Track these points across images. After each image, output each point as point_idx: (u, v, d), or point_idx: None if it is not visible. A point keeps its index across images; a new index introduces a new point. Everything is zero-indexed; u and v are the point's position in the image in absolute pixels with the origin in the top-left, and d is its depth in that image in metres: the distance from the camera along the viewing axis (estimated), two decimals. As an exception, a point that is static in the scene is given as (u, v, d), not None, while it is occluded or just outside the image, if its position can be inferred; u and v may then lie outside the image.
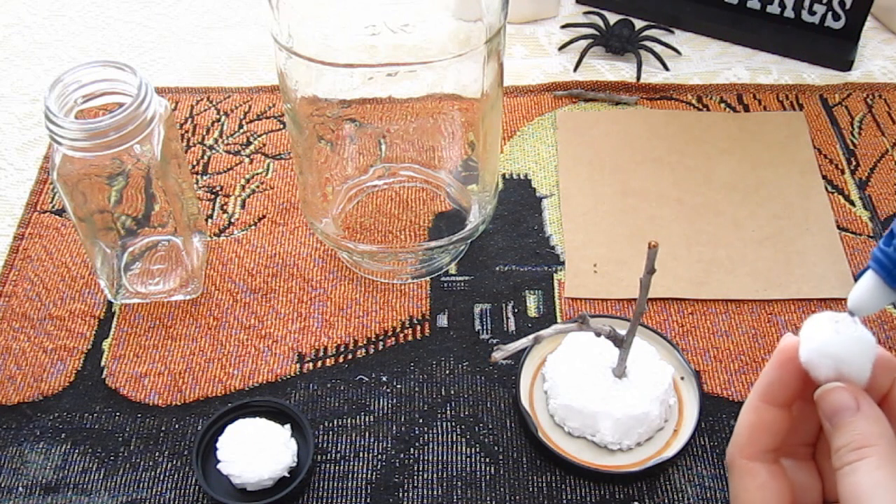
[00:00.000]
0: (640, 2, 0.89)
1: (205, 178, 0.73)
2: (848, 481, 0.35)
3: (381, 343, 0.61)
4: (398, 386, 0.58)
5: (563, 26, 0.88)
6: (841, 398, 0.37)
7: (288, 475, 0.52)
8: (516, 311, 0.63)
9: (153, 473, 0.54)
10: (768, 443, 0.40)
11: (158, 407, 0.58)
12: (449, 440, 0.56)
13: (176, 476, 0.54)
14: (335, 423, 0.57)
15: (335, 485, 0.54)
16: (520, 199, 0.71)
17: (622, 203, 0.70)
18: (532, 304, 0.63)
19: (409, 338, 0.61)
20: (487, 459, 0.55)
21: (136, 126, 0.53)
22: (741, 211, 0.69)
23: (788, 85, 0.81)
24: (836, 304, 0.63)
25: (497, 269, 0.65)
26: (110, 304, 0.63)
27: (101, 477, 0.54)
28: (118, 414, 0.57)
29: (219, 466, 0.52)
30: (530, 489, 0.53)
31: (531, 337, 0.51)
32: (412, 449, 0.55)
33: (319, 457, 0.55)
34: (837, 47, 0.83)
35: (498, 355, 0.49)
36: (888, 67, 0.84)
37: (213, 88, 0.82)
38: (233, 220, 0.69)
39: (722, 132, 0.76)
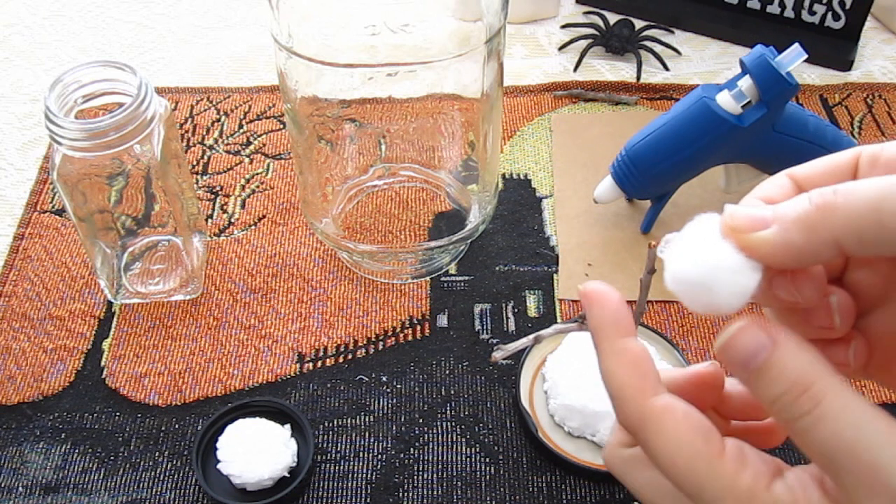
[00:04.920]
0: (640, 2, 0.89)
1: (205, 178, 0.73)
2: (817, 437, 0.26)
3: (381, 343, 0.61)
4: (398, 386, 0.58)
5: (563, 26, 0.88)
6: (751, 340, 0.28)
7: (288, 475, 0.52)
8: (516, 311, 0.63)
9: (153, 473, 0.54)
10: (655, 372, 0.31)
11: (158, 407, 0.58)
12: (449, 440, 0.56)
13: (176, 476, 0.54)
14: (335, 423, 0.57)
15: (335, 485, 0.54)
16: (520, 199, 0.71)
17: (616, 205, 0.70)
18: (532, 303, 0.63)
19: (409, 338, 0.61)
20: (487, 459, 0.55)
21: (136, 126, 0.53)
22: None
23: (788, 85, 0.81)
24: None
25: (497, 269, 0.65)
26: (110, 304, 0.63)
27: (101, 477, 0.54)
28: (118, 414, 0.57)
29: (219, 466, 0.52)
30: (530, 489, 0.53)
31: (531, 337, 0.51)
32: (412, 449, 0.55)
33: (319, 457, 0.55)
34: (837, 47, 0.83)
35: (498, 355, 0.49)
36: (888, 67, 0.84)
37: (213, 88, 0.82)
38: (233, 220, 0.69)
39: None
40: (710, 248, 0.28)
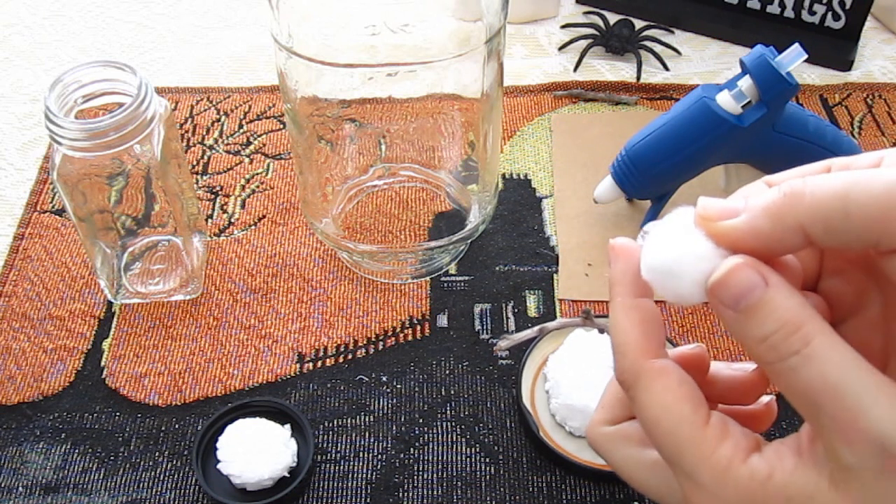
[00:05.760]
0: (640, 2, 0.89)
1: (205, 178, 0.73)
2: (803, 377, 0.26)
3: (381, 343, 0.61)
4: (398, 386, 0.58)
5: (563, 26, 0.88)
6: (746, 277, 0.27)
7: (288, 475, 0.52)
8: (516, 311, 0.63)
9: (153, 473, 0.54)
10: (662, 335, 0.32)
11: (158, 407, 0.58)
12: (449, 440, 0.56)
13: (176, 476, 0.54)
14: (335, 423, 0.57)
15: (335, 485, 0.54)
16: (520, 199, 0.71)
17: (616, 205, 0.70)
18: (532, 303, 0.63)
19: (409, 338, 0.61)
20: (487, 459, 0.55)
21: (136, 126, 0.53)
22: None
23: (788, 85, 0.81)
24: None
25: (497, 269, 0.65)
26: (110, 304, 0.63)
27: (101, 477, 0.54)
28: (118, 414, 0.57)
29: (219, 466, 0.52)
30: (530, 489, 0.53)
31: (536, 328, 0.51)
32: (412, 449, 0.55)
33: (319, 457, 0.55)
34: (837, 47, 0.83)
35: (503, 344, 0.49)
36: (888, 67, 0.84)
37: (213, 88, 0.82)
38: (233, 220, 0.69)
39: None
40: (681, 237, 0.29)
